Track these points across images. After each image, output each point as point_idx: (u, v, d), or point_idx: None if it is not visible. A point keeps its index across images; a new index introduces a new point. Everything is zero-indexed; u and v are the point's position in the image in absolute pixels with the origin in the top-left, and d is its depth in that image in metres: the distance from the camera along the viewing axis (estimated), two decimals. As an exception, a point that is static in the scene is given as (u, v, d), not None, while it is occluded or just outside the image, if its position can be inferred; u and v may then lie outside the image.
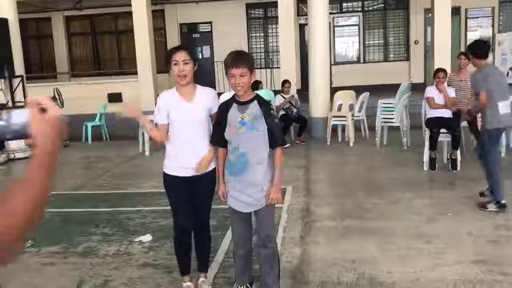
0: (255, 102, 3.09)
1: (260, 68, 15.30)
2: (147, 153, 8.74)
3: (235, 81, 2.99)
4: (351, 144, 8.81)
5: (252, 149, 3.06)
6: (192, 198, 3.26)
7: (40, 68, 16.87)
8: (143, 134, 8.97)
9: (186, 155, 3.20)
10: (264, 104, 3.10)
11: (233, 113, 3.09)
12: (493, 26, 15.02)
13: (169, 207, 3.38)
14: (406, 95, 8.38)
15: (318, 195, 5.87)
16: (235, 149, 3.09)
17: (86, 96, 12.75)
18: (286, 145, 3.13)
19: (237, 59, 3.02)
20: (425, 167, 6.73)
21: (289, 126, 9.30)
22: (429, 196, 5.59)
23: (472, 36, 15.27)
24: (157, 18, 15.51)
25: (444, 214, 4.90)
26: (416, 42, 15.21)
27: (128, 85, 13.27)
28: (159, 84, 13.27)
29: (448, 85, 7.03)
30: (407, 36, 15.46)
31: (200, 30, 16.50)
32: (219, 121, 3.16)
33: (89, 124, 10.70)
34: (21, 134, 1.02)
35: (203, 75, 16.03)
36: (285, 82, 9.44)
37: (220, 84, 14.75)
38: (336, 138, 9.27)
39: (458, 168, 6.59)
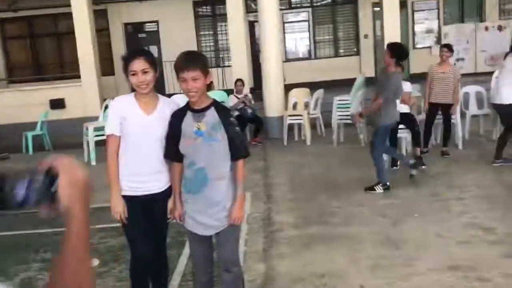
0: (212, 109, 2.70)
1: (211, 67, 14.86)
2: (93, 163, 8.17)
3: (187, 86, 2.60)
4: (308, 143, 8.59)
5: (211, 163, 2.69)
6: (149, 220, 2.87)
7: (-26, 75, 15.75)
8: (87, 142, 8.39)
9: (141, 173, 2.79)
10: (223, 111, 2.75)
11: (188, 122, 2.70)
12: (438, 18, 15.27)
13: (119, 224, 2.96)
14: (361, 91, 8.22)
15: (279, 201, 5.58)
16: (192, 163, 2.71)
17: (26, 103, 11.94)
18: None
19: (188, 61, 2.63)
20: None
21: (245, 127, 8.98)
22: (393, 196, 5.40)
23: (419, 28, 15.49)
24: (100, 18, 14.74)
25: (410, 215, 4.73)
26: (365, 36, 15.24)
27: (71, 90, 12.58)
28: (104, 87, 12.67)
29: (430, 77, 7.00)
30: (357, 30, 15.47)
31: (146, 30, 15.89)
32: (172, 132, 2.78)
33: (30, 134, 9.93)
34: (48, 200, 0.90)
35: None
36: (237, 81, 9.10)
37: (169, 86, 14.24)
38: (292, 137, 9.03)
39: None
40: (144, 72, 2.72)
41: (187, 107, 2.76)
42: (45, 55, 16.14)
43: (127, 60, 2.77)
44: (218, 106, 2.76)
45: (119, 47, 15.38)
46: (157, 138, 2.79)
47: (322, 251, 4.04)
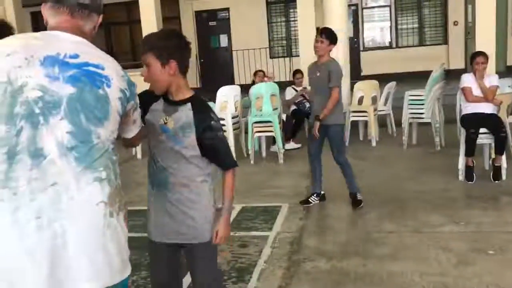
0: (189, 105, 2.08)
1: (279, 57, 14.09)
2: (139, 156, 7.71)
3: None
4: (374, 144, 7.50)
5: (174, 166, 2.09)
6: None
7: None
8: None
9: None
10: (201, 112, 2.10)
11: (157, 109, 2.11)
12: (546, 1, 13.15)
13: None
14: (438, 85, 6.97)
15: (319, 217, 4.63)
16: (155, 156, 2.13)
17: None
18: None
19: (142, 42, 2.08)
20: (461, 177, 5.38)
21: (302, 123, 8.07)
22: (465, 220, 4.25)
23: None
24: (171, 6, 14.50)
25: (483, 251, 3.60)
26: (455, 23, 13.56)
27: (140, 79, 12.37)
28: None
29: None
30: (445, 17, 13.80)
31: (217, 18, 15.37)
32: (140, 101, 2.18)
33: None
34: None
35: (221, 66, 15.01)
36: (296, 72, 8.18)
37: (240, 76, 13.64)
38: (357, 136, 7.97)
39: (503, 177, 5.21)
40: None
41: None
42: (119, 42, 16.27)
43: None
44: (196, 103, 2.11)
45: (189, 35, 15.00)
46: None
47: (353, 297, 3.09)
